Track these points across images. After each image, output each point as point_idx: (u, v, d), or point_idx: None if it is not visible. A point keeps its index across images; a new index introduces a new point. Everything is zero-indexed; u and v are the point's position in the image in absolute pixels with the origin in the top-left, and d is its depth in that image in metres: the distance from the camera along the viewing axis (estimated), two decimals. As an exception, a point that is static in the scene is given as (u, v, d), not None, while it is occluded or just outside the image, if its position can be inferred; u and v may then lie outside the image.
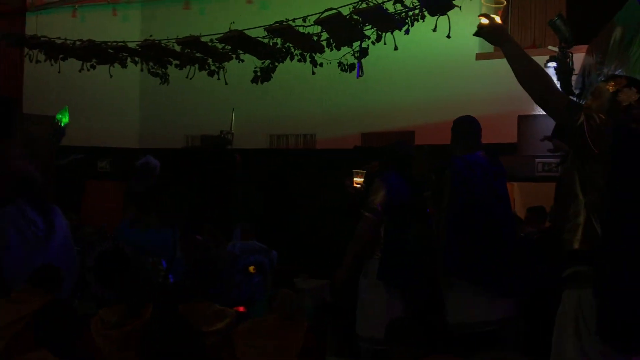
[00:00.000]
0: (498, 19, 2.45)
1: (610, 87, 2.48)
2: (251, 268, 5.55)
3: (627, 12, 5.03)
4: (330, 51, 5.50)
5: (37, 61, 6.74)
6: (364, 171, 4.56)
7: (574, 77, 6.96)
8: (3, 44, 7.48)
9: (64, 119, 6.13)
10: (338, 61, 5.53)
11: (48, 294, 3.70)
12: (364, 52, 5.20)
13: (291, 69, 6.04)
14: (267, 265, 5.64)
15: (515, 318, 3.78)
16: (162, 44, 5.91)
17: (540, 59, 7.78)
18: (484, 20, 2.43)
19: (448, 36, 4.61)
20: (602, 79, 2.68)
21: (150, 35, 6.11)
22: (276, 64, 5.82)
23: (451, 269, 3.68)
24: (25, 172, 4.92)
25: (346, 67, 5.51)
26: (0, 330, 3.53)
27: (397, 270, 3.94)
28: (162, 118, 10.08)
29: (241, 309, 4.91)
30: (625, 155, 2.29)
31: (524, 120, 7.44)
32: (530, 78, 2.40)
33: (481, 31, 2.45)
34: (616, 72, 5.58)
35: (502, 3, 2.49)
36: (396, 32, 5.00)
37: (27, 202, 4.71)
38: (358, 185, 4.53)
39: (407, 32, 4.93)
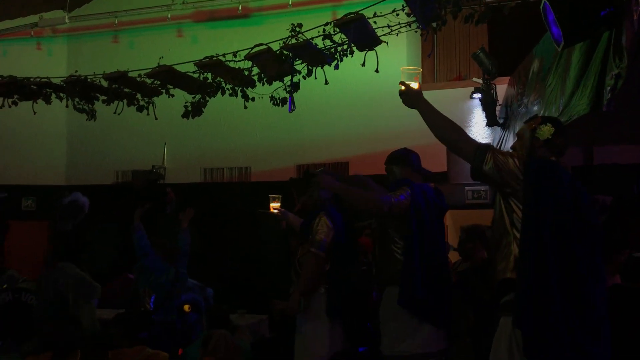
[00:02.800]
0: (415, 84, 2.96)
1: (530, 126, 2.81)
2: (186, 307, 5.39)
3: (545, 45, 5.31)
4: (262, 85, 5.52)
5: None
6: (280, 196, 4.53)
7: (498, 108, 7.25)
8: None
9: None
10: (270, 95, 5.55)
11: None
12: (295, 87, 5.23)
13: (224, 103, 6.00)
14: (202, 303, 5.49)
15: (449, 349, 3.80)
16: (88, 80, 5.75)
17: (465, 91, 8.10)
18: (402, 87, 2.92)
19: (376, 70, 4.73)
20: (523, 110, 2.97)
21: (76, 71, 5.94)
22: (207, 98, 5.78)
23: (417, 301, 3.45)
24: None
25: (278, 101, 5.54)
26: None
27: (343, 305, 3.90)
28: (90, 153, 9.75)
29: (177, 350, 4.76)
30: (534, 187, 2.49)
31: (453, 150, 7.65)
32: (444, 130, 2.75)
33: (401, 97, 2.90)
34: (535, 102, 5.84)
35: (418, 70, 3.13)
36: (326, 66, 5.09)
37: None
38: (275, 211, 4.49)
39: (336, 67, 5.02)
